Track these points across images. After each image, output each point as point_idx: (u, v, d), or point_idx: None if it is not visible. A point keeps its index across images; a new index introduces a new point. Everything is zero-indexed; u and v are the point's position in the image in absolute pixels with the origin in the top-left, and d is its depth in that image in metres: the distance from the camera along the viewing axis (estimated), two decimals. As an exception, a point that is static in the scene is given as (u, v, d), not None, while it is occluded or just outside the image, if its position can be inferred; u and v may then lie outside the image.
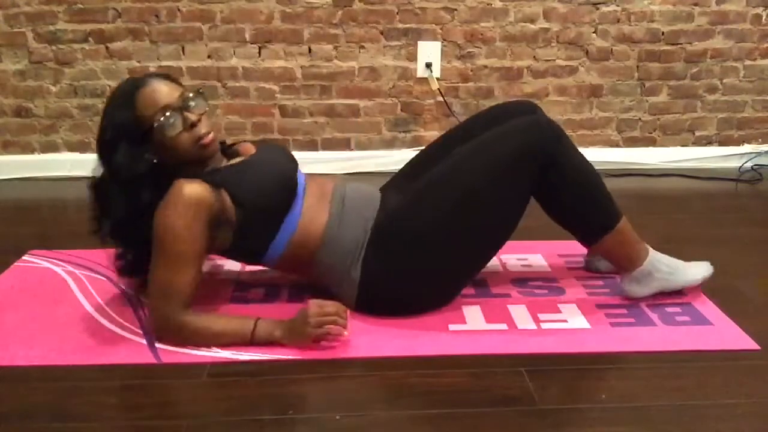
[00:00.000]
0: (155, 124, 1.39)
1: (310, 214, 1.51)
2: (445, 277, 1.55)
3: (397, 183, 1.70)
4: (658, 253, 1.61)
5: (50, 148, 2.75)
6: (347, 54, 2.68)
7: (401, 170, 1.76)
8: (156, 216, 1.38)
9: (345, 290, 1.52)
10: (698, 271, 1.64)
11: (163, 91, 1.41)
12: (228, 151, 1.58)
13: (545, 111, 1.77)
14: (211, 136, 1.43)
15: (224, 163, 1.52)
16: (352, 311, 1.52)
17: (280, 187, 1.49)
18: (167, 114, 1.39)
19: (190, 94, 1.43)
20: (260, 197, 1.45)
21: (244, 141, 1.66)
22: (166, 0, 2.59)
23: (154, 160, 1.42)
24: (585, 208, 1.57)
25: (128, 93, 1.42)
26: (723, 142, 2.90)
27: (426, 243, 1.48)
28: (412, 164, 1.75)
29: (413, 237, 1.48)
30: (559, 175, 1.52)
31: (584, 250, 1.93)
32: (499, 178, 1.49)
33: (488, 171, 1.49)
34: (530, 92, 2.76)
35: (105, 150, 1.44)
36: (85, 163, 2.65)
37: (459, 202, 1.48)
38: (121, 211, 1.42)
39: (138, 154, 1.41)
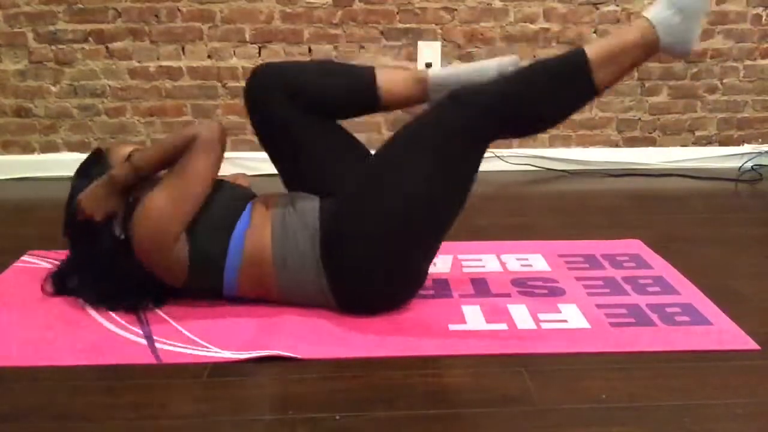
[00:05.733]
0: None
1: (255, 236, 1.51)
2: (406, 258, 1.52)
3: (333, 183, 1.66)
4: (656, 4, 1.41)
5: (50, 148, 2.75)
6: (347, 54, 2.68)
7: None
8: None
9: (322, 300, 1.53)
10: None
11: (122, 148, 1.61)
12: None
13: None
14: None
15: None
16: (342, 314, 1.53)
17: (224, 209, 1.54)
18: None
19: (132, 154, 1.55)
20: (202, 220, 1.50)
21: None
22: (166, 0, 2.59)
23: (131, 200, 1.53)
24: (554, 92, 1.46)
25: (98, 157, 1.61)
26: (723, 142, 2.90)
27: (374, 233, 1.47)
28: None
29: (360, 232, 1.47)
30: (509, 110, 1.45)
31: (584, 251, 1.94)
32: (428, 157, 1.46)
33: (415, 150, 1.47)
34: None
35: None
36: (85, 163, 2.66)
37: (394, 187, 1.47)
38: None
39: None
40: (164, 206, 1.46)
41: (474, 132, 1.46)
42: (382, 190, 1.47)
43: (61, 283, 1.63)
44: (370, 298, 1.54)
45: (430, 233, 1.53)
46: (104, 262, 1.53)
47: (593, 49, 1.44)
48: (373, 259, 1.48)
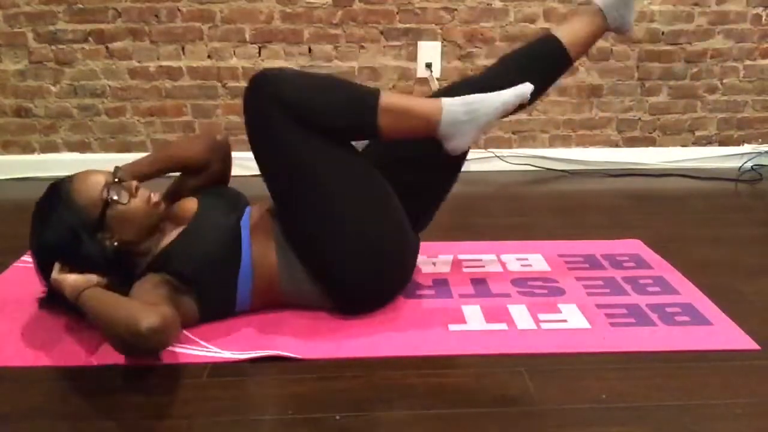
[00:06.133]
0: (108, 200, 1.43)
1: (260, 251, 1.50)
2: (372, 242, 1.49)
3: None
4: (454, 98, 1.45)
5: (50, 148, 2.75)
6: (347, 54, 2.68)
7: None
8: None
9: (322, 303, 1.54)
10: (509, 92, 1.46)
11: (93, 177, 1.46)
12: (171, 213, 1.58)
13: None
14: (157, 195, 1.50)
15: (167, 234, 1.52)
16: (342, 316, 1.54)
17: (223, 247, 1.48)
18: (111, 189, 1.44)
19: (117, 170, 1.48)
20: (205, 269, 1.45)
21: (187, 197, 1.64)
22: (166, 0, 2.59)
23: (115, 243, 1.45)
24: (336, 114, 1.43)
25: (63, 196, 1.44)
26: (723, 142, 2.90)
27: (321, 230, 1.47)
28: None
29: (305, 232, 1.48)
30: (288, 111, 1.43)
31: (584, 251, 1.94)
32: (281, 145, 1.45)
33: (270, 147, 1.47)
34: (530, 92, 2.76)
35: (70, 254, 1.41)
36: (85, 163, 2.65)
37: (294, 188, 1.47)
38: None
39: (101, 242, 1.44)
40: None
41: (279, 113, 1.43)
42: (296, 192, 1.47)
43: (52, 305, 1.54)
44: (361, 293, 1.54)
45: (367, 209, 1.49)
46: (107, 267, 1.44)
47: (390, 98, 1.45)
48: (330, 254, 1.47)
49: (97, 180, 1.45)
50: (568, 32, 1.68)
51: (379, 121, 1.43)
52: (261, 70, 1.48)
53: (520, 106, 1.50)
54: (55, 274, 1.40)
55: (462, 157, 1.60)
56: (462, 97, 1.45)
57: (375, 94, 1.44)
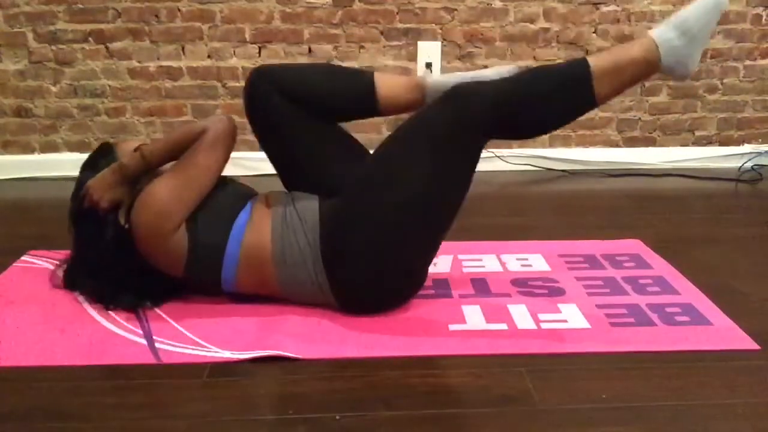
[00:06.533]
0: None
1: (254, 231, 1.51)
2: (405, 258, 1.52)
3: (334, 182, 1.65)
4: (660, 27, 1.43)
5: (50, 148, 2.75)
6: (347, 54, 2.68)
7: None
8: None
9: (321, 298, 1.54)
10: None
11: (129, 143, 1.62)
12: None
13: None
14: None
15: None
16: (342, 314, 1.53)
17: (225, 201, 1.55)
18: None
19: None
20: (203, 208, 1.52)
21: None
22: (166, 0, 2.59)
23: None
24: (554, 101, 1.46)
25: (106, 151, 1.62)
26: (723, 142, 2.90)
27: (374, 234, 1.46)
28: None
29: (360, 233, 1.47)
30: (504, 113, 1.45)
31: (584, 251, 1.94)
32: (425, 156, 1.46)
33: (414, 148, 1.47)
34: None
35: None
36: (85, 163, 2.66)
37: (392, 188, 1.47)
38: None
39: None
40: (166, 195, 1.47)
41: (470, 130, 1.46)
42: (381, 191, 1.47)
43: (69, 277, 1.65)
44: (369, 298, 1.54)
45: (428, 233, 1.53)
46: (106, 253, 1.54)
47: (596, 60, 1.45)
48: (373, 260, 1.48)
49: (132, 145, 1.60)
50: (387, 89, 1.58)
51: (596, 88, 1.44)
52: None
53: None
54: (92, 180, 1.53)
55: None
56: (667, 20, 1.43)
57: (584, 63, 1.45)
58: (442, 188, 1.48)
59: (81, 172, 1.60)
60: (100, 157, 1.60)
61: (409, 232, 1.48)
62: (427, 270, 1.61)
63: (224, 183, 1.60)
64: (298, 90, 1.55)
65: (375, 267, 1.49)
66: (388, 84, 1.59)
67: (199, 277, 1.54)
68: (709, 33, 1.44)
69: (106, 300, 1.58)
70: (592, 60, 1.46)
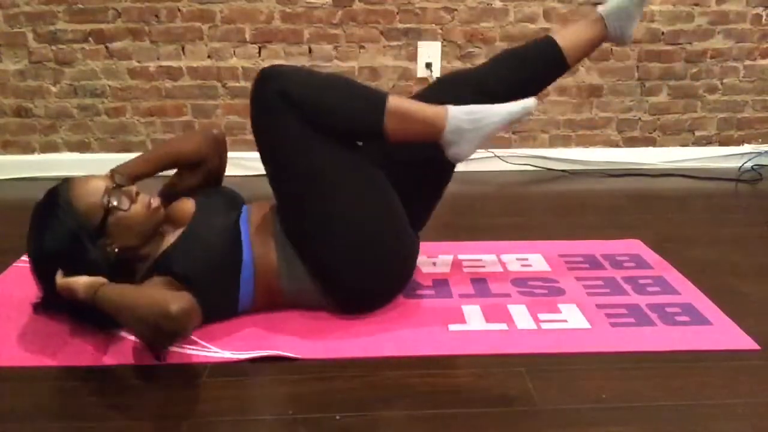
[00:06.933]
0: (109, 206, 1.43)
1: (260, 250, 1.51)
2: (364, 244, 1.49)
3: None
4: (460, 107, 1.46)
5: (50, 148, 2.75)
6: (347, 54, 2.68)
7: None
8: None
9: (322, 302, 1.54)
10: (516, 104, 1.47)
11: (93, 182, 1.45)
12: (168, 215, 1.57)
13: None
14: (156, 199, 1.51)
15: (167, 236, 1.52)
16: (342, 316, 1.54)
17: (223, 247, 1.48)
18: (111, 195, 1.44)
19: (116, 175, 1.49)
20: (206, 269, 1.44)
21: (183, 196, 1.64)
22: (166, 0, 2.59)
23: (116, 249, 1.45)
24: (343, 115, 1.45)
25: (62, 203, 1.42)
26: (723, 142, 2.90)
27: (317, 229, 1.47)
28: None
29: (308, 232, 1.48)
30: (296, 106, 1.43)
31: (584, 251, 1.94)
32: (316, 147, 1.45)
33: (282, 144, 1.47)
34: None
35: (72, 260, 1.40)
36: (85, 163, 2.66)
37: (302, 185, 1.47)
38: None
39: (103, 248, 1.43)
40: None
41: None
42: (306, 200, 1.47)
43: (48, 309, 1.53)
44: (361, 296, 1.55)
45: (375, 214, 1.50)
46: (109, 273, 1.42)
47: (395, 101, 1.45)
48: (332, 252, 1.48)
49: (96, 186, 1.45)
50: (567, 37, 1.68)
51: (386, 124, 1.44)
52: (270, 65, 1.49)
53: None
54: (60, 279, 1.39)
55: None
56: (468, 106, 1.46)
57: (382, 96, 1.45)
58: (336, 165, 1.47)
59: (30, 230, 1.45)
60: (49, 215, 1.43)
61: (347, 213, 1.47)
62: (408, 254, 1.60)
63: (205, 216, 1.54)
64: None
65: (346, 259, 1.48)
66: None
67: (217, 317, 1.51)
68: (493, 134, 1.47)
69: (97, 327, 1.48)
70: (392, 99, 1.45)
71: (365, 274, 1.51)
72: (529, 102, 1.47)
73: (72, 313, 1.47)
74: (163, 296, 1.29)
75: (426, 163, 1.60)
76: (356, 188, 1.49)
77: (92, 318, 1.43)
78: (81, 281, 1.37)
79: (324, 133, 1.45)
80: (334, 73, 1.59)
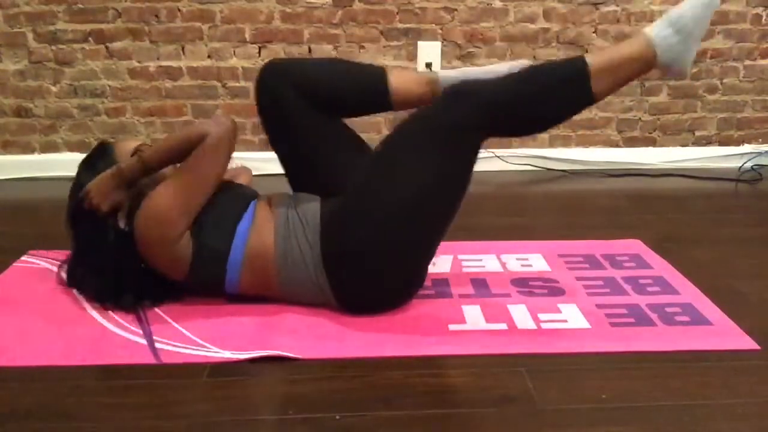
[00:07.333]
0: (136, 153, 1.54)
1: (257, 232, 1.52)
2: (405, 258, 1.51)
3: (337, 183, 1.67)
4: (657, 23, 1.44)
5: (50, 148, 2.75)
6: (347, 54, 2.68)
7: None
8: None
9: (322, 298, 1.54)
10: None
11: (128, 143, 1.62)
12: None
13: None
14: None
15: None
16: (342, 314, 1.53)
17: (229, 207, 1.55)
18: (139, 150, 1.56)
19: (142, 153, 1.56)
20: (208, 211, 1.51)
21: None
22: (166, 0, 2.59)
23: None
24: (551, 100, 1.47)
25: (104, 151, 1.60)
26: (723, 142, 2.90)
27: (373, 233, 1.46)
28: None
29: (359, 232, 1.47)
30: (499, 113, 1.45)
31: (584, 251, 1.94)
32: (424, 155, 1.46)
33: (409, 148, 1.48)
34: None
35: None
36: (85, 163, 2.66)
37: (391, 187, 1.47)
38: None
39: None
40: (169, 202, 1.46)
41: (468, 129, 1.46)
42: (379, 191, 1.47)
43: (70, 275, 1.64)
44: (370, 298, 1.54)
45: (427, 233, 1.53)
46: (106, 255, 1.54)
47: (594, 58, 1.46)
48: (373, 260, 1.48)
49: (129, 144, 1.60)
50: (400, 84, 1.61)
51: (594, 85, 1.44)
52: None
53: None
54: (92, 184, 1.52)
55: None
56: (663, 18, 1.44)
57: (579, 61, 1.45)
58: (441, 187, 1.48)
59: (78, 172, 1.59)
60: (98, 158, 1.59)
61: (408, 232, 1.48)
62: (426, 269, 1.61)
63: (226, 186, 1.59)
64: (310, 83, 1.55)
65: (375, 267, 1.49)
66: (400, 78, 1.61)
67: (202, 281, 1.54)
68: (704, 31, 1.46)
69: (106, 300, 1.57)
70: (589, 58, 1.46)
71: (389, 281, 1.53)
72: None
73: (96, 282, 1.57)
74: (206, 120, 1.51)
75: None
76: (436, 207, 1.51)
77: (113, 289, 1.56)
78: (123, 158, 1.55)
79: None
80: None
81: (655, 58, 1.44)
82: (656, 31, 1.44)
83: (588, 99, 1.48)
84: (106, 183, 1.51)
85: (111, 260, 1.54)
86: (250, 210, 1.55)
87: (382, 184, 1.47)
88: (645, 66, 1.46)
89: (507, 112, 1.46)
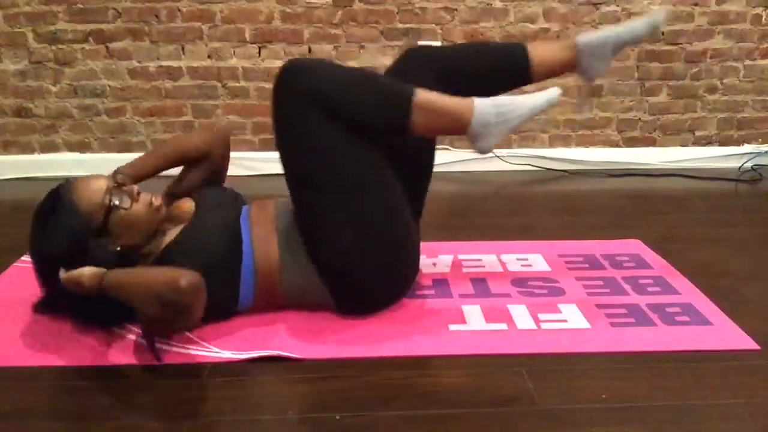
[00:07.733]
0: (111, 205, 1.42)
1: (261, 247, 1.51)
2: (372, 231, 1.49)
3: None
4: (485, 99, 1.48)
5: (50, 148, 2.75)
6: (347, 54, 2.68)
7: None
8: None
9: (323, 300, 1.54)
10: (539, 96, 1.50)
11: (95, 182, 1.45)
12: (169, 214, 1.57)
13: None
14: (158, 198, 1.50)
15: (168, 234, 1.51)
16: (342, 316, 1.54)
17: (224, 244, 1.49)
18: (113, 194, 1.43)
19: (118, 175, 1.50)
20: (208, 265, 1.42)
21: (185, 197, 1.64)
22: (166, 0, 2.59)
23: (118, 248, 1.44)
24: (368, 109, 1.44)
25: (65, 202, 1.42)
26: (723, 142, 2.90)
27: (327, 229, 1.47)
28: None
29: (318, 230, 1.48)
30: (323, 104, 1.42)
31: (584, 251, 1.94)
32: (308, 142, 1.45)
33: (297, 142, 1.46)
34: (530, 92, 2.75)
35: (75, 260, 1.39)
36: (85, 163, 2.66)
37: (311, 180, 1.47)
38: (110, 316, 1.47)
39: (105, 247, 1.43)
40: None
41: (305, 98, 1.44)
42: (318, 189, 1.47)
43: (49, 309, 1.55)
44: (364, 296, 1.54)
45: (382, 194, 1.50)
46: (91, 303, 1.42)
47: (424, 93, 1.45)
48: (348, 240, 1.47)
49: (98, 185, 1.44)
50: (539, 53, 1.66)
51: (412, 118, 1.44)
52: (293, 58, 1.48)
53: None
54: (64, 273, 1.39)
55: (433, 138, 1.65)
56: (493, 98, 1.48)
57: (409, 90, 1.45)
58: (352, 146, 1.45)
59: (32, 230, 1.44)
60: (51, 212, 1.43)
61: (361, 199, 1.46)
62: (413, 253, 1.60)
63: (205, 213, 1.54)
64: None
65: (352, 247, 1.47)
66: (539, 49, 1.65)
67: (218, 313, 1.51)
68: (520, 127, 1.52)
69: (96, 324, 1.50)
70: (417, 92, 1.44)
71: (376, 274, 1.51)
72: (553, 95, 1.50)
73: (74, 310, 1.48)
74: (172, 272, 1.31)
75: (414, 151, 1.61)
76: (374, 189, 1.49)
77: (94, 314, 1.45)
78: (86, 271, 1.37)
79: (348, 129, 1.44)
80: (356, 67, 1.58)
81: (468, 126, 1.46)
82: (480, 105, 1.46)
83: (403, 126, 1.45)
84: (76, 287, 1.38)
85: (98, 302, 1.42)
86: (246, 237, 1.51)
87: (318, 182, 1.46)
88: (457, 125, 1.47)
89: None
